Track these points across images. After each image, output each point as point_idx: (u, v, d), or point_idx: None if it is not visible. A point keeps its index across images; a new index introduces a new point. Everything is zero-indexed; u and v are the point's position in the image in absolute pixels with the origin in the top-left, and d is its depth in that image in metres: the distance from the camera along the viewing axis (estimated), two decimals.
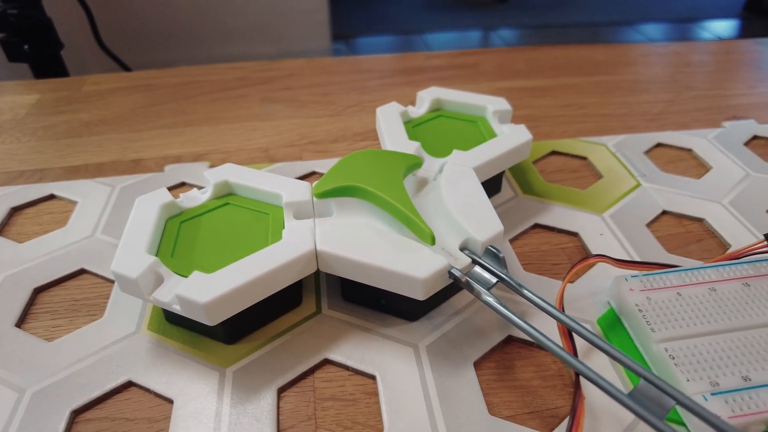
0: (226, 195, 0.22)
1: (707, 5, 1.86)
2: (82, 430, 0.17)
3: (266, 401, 0.18)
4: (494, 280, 0.18)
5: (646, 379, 0.15)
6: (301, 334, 0.20)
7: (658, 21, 1.76)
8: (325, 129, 0.32)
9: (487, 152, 0.23)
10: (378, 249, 0.18)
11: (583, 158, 0.30)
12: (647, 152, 0.31)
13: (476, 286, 0.18)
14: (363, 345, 0.19)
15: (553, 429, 0.17)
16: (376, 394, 0.18)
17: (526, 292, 0.18)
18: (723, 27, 1.75)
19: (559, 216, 0.25)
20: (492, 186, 0.26)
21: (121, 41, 1.07)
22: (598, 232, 0.24)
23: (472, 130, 0.26)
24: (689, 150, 0.31)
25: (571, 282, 0.22)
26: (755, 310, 0.20)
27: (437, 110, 0.28)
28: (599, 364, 0.19)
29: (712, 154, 0.31)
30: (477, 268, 0.19)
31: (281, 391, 0.18)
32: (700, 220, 0.26)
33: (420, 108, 0.28)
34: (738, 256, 0.23)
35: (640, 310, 0.19)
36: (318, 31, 1.17)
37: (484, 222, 0.20)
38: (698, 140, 0.32)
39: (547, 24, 1.69)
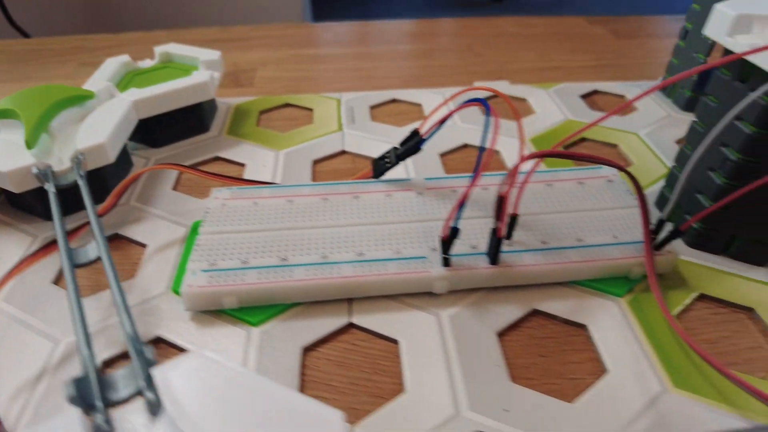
0: None
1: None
2: None
3: None
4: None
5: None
6: None
7: None
8: None
9: (154, 90, 0.27)
10: None
11: (310, 110, 0.33)
12: (378, 106, 0.33)
13: (49, 180, 0.22)
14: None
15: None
16: None
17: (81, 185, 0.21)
18: None
19: (241, 152, 0.29)
20: (197, 125, 0.30)
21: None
22: (262, 164, 0.28)
23: (179, 76, 0.30)
24: (419, 105, 0.33)
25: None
26: (318, 218, 0.22)
27: (167, 62, 0.32)
28: None
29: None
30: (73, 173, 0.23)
31: None
32: (367, 158, 0.28)
33: (155, 60, 0.32)
34: (354, 179, 0.25)
35: (206, 212, 0.23)
36: None
37: (92, 137, 0.23)
38: (432, 96, 0.34)
39: None
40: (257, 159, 0.28)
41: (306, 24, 0.45)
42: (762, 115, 0.19)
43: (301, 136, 0.30)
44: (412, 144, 0.23)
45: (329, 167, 0.28)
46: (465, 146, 0.29)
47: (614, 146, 0.30)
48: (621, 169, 0.19)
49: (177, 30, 0.43)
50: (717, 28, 0.20)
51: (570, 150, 0.30)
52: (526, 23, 0.45)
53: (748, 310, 0.21)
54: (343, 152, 0.29)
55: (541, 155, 0.18)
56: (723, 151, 0.21)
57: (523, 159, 0.18)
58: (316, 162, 0.28)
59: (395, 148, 0.24)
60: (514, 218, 0.21)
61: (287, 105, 0.33)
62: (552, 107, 0.33)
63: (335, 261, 0.20)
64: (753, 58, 0.19)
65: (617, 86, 0.35)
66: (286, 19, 1.25)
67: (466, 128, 0.31)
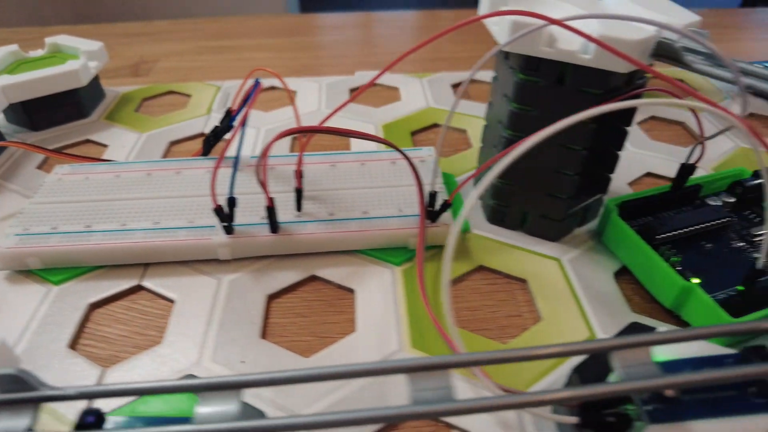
0: None
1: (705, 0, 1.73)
2: None
3: None
4: None
5: None
6: None
7: None
8: None
9: (22, 77, 0.29)
10: None
11: (189, 96, 0.35)
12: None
13: None
14: None
15: None
16: None
17: None
18: None
19: (110, 135, 0.31)
20: (75, 111, 0.32)
21: None
22: (121, 145, 0.30)
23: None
24: (294, 92, 0.35)
25: None
26: (135, 191, 0.24)
27: (55, 52, 0.34)
28: None
29: (313, 95, 0.34)
30: None
31: None
32: (222, 140, 0.30)
33: (45, 50, 0.34)
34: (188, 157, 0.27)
35: (41, 186, 0.25)
36: None
37: None
38: (308, 84, 0.35)
39: None
40: (121, 142, 0.30)
41: (219, 17, 0.47)
42: (517, 90, 0.20)
43: (168, 120, 0.32)
44: (225, 123, 0.25)
45: (185, 148, 0.30)
46: None
47: (463, 131, 0.31)
48: (384, 142, 0.20)
49: (104, 24, 0.46)
50: (483, 6, 0.21)
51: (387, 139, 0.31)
52: (437, 17, 0.46)
53: (522, 282, 0.22)
54: (202, 134, 0.31)
55: (291, 133, 0.20)
56: (499, 128, 0.22)
57: (275, 139, 0.19)
58: (174, 143, 0.30)
59: (216, 127, 0.25)
60: (299, 192, 0.22)
61: (170, 92, 0.35)
62: (418, 95, 0.34)
63: (132, 228, 0.22)
64: (488, 23, 0.20)
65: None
66: (270, 11, 1.28)
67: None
